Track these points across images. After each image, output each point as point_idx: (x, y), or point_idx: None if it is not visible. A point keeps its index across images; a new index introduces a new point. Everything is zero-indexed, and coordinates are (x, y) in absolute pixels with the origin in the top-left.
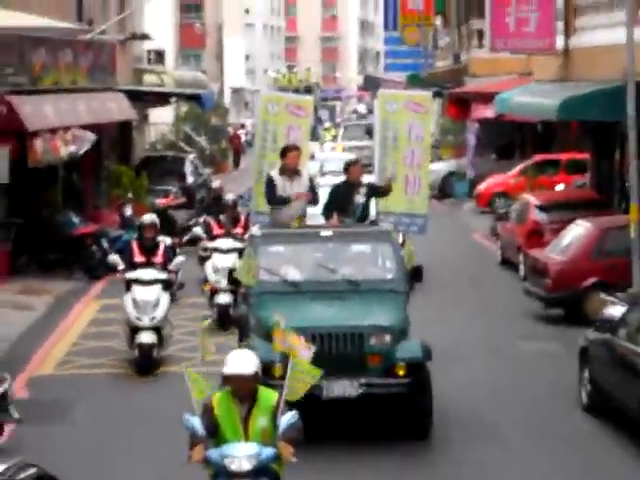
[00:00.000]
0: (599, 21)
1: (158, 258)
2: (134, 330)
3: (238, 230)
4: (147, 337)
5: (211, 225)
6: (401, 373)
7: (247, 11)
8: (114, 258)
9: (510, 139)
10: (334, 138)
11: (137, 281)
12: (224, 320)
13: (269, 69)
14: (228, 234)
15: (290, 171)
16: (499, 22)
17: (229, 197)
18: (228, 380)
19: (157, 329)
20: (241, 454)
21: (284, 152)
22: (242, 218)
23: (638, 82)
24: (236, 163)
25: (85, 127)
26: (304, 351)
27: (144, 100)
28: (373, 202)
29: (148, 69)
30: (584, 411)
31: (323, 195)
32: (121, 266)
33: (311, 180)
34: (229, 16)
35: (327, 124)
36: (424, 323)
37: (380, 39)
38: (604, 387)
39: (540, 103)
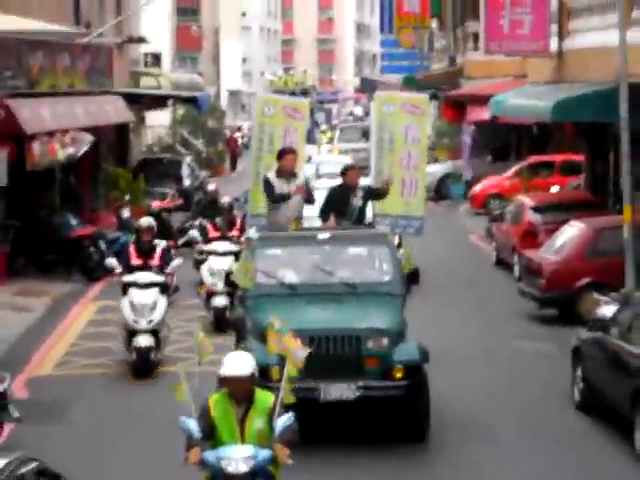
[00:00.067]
0: (592, 24)
1: (155, 261)
2: (131, 333)
3: (234, 233)
4: (144, 340)
5: (207, 228)
6: (398, 376)
7: (244, 14)
8: (111, 261)
9: (506, 141)
10: (330, 140)
11: (134, 284)
12: (220, 323)
13: (266, 72)
14: (224, 237)
15: (287, 173)
16: (493, 25)
17: (225, 200)
18: (225, 382)
19: (154, 332)
20: (237, 456)
21: (281, 154)
22: (238, 221)
23: (631, 84)
24: (233, 166)
25: (82, 130)
26: (299, 352)
27: (141, 103)
28: (370, 204)
29: (145, 72)
30: (577, 409)
31: (319, 198)
32: (118, 269)
33: (307, 182)
34: (226, 19)
35: (323, 126)
36: (420, 325)
37: (376, 42)
38: (596, 385)
39: (534, 105)
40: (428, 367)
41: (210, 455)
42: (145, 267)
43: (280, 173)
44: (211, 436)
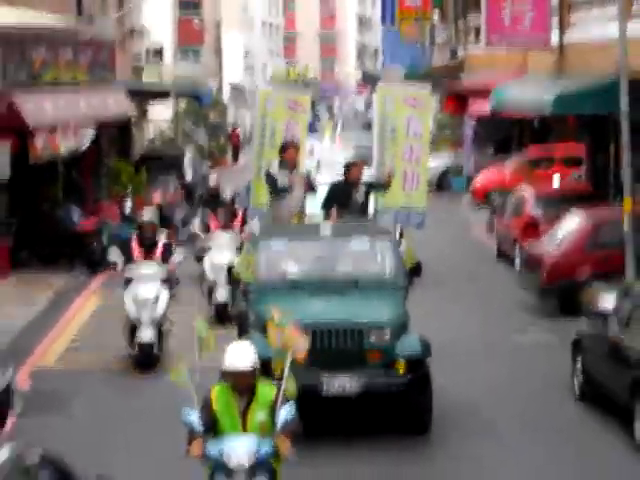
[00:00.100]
0: (592, 17)
1: (157, 255)
2: (134, 327)
3: (236, 226)
4: (147, 334)
5: (209, 221)
6: (401, 369)
7: (246, 8)
8: (113, 255)
9: (507, 134)
10: (332, 133)
11: (137, 278)
12: (222, 316)
13: (268, 65)
14: (226, 230)
15: (289, 167)
16: (495, 18)
17: (226, 193)
18: (227, 375)
19: (157, 326)
20: (240, 448)
21: (283, 148)
22: (239, 214)
23: (631, 77)
24: (235, 159)
25: (85, 123)
26: (299, 345)
27: (143, 96)
28: (371, 198)
29: (147, 65)
30: (577, 401)
31: (321, 192)
32: (120, 263)
33: (308, 174)
34: (227, 12)
35: (325, 120)
36: (422, 318)
37: (378, 35)
38: (596, 377)
39: (535, 98)
40: (430, 361)
41: (212, 448)
42: (147, 261)
43: (282, 166)
44: (213, 428)
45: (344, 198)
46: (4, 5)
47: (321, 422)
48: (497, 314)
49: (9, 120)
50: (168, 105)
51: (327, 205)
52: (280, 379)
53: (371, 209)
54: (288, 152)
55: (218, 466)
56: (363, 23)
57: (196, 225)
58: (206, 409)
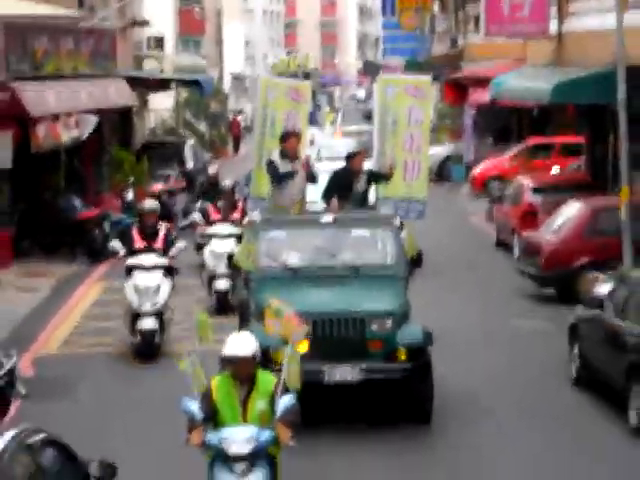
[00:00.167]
0: (591, 6)
1: (158, 244)
2: (135, 316)
3: (236, 216)
4: (149, 323)
5: (209, 211)
6: (402, 358)
7: None
8: (115, 244)
9: (506, 123)
10: (332, 123)
11: (138, 267)
12: (223, 306)
13: (269, 54)
14: (226, 220)
15: (290, 156)
16: (494, 7)
17: (227, 183)
18: (227, 362)
19: (158, 315)
20: (239, 437)
21: (284, 137)
22: (239, 204)
23: (628, 66)
24: (236, 148)
25: (86, 113)
26: (296, 333)
27: (144, 86)
28: (372, 188)
29: (148, 55)
30: (574, 386)
31: (322, 181)
32: (122, 252)
33: (308, 159)
34: (228, 2)
35: (326, 109)
36: (422, 307)
37: (379, 24)
38: (592, 362)
39: (534, 87)
40: (430, 349)
41: (212, 436)
42: (149, 250)
43: (284, 155)
44: (213, 417)
45: (345, 188)
46: None
47: (322, 411)
48: (496, 302)
49: (11, 109)
50: (169, 94)
51: (328, 194)
52: (280, 370)
53: (372, 198)
54: (289, 141)
55: (218, 455)
56: (364, 13)
57: (196, 215)
58: (206, 398)
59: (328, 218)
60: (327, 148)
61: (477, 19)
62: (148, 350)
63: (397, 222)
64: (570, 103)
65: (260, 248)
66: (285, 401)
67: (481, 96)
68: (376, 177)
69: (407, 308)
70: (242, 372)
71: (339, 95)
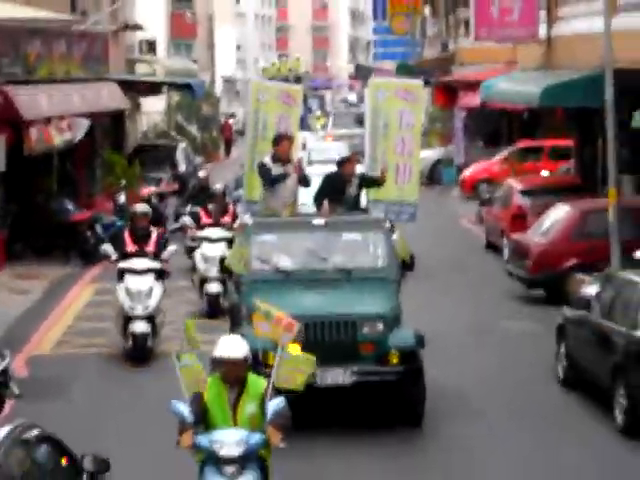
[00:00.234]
0: (579, 10)
1: (150, 247)
2: (127, 319)
3: (226, 219)
4: (141, 326)
5: (199, 214)
6: (394, 361)
7: (238, 1)
8: (106, 248)
9: (497, 126)
10: (323, 127)
11: (130, 270)
12: (214, 309)
13: (260, 58)
14: (217, 223)
15: (282, 159)
16: (483, 11)
17: (218, 186)
18: (217, 364)
19: (150, 318)
20: (230, 440)
21: (277, 141)
22: (230, 207)
23: (616, 69)
24: (227, 152)
25: (79, 116)
26: (284, 336)
27: (136, 89)
28: (364, 191)
29: (140, 59)
30: (561, 386)
31: (314, 184)
32: (113, 256)
33: (300, 161)
34: (220, 6)
35: (317, 113)
36: (414, 310)
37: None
38: (579, 362)
39: (523, 90)
40: (422, 352)
41: (202, 439)
42: (140, 253)
43: (276, 159)
44: (204, 419)
45: (337, 191)
46: None
47: (315, 413)
48: (486, 304)
49: (4, 113)
50: (161, 98)
51: (319, 197)
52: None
53: (363, 201)
54: (282, 145)
55: (208, 457)
56: (356, 17)
57: (187, 218)
58: (197, 400)
59: (320, 221)
60: (318, 151)
61: (467, 23)
62: (140, 354)
63: (388, 225)
64: (559, 106)
65: (252, 251)
66: (275, 404)
67: (471, 100)
68: (368, 182)
69: (399, 311)
70: (233, 374)
71: (330, 99)
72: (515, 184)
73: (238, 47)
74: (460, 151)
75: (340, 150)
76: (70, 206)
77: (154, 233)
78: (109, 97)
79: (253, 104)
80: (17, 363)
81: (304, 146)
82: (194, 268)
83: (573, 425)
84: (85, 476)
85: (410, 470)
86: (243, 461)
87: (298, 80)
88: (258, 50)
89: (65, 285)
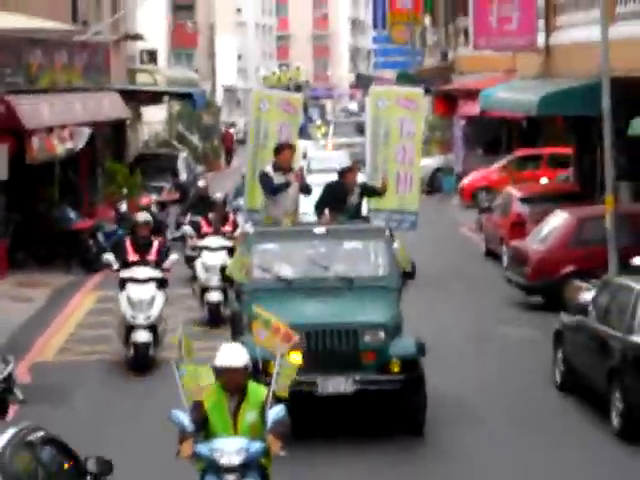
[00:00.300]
0: (577, 19)
1: (152, 256)
2: (129, 328)
3: (227, 228)
4: (143, 336)
5: (200, 224)
6: (395, 369)
7: (239, 10)
8: (108, 257)
9: (496, 135)
10: (324, 136)
11: (132, 280)
12: (215, 318)
13: (261, 67)
14: (217, 232)
15: (284, 168)
16: (482, 20)
17: (218, 196)
18: (218, 372)
19: (152, 327)
20: (230, 448)
21: (278, 150)
22: (231, 216)
23: (613, 78)
24: (228, 161)
25: (80, 125)
26: (281, 345)
27: (137, 99)
28: (365, 200)
29: (141, 69)
30: (559, 390)
31: (315, 193)
32: (115, 265)
33: (301, 169)
34: (221, 15)
35: (318, 122)
36: (415, 318)
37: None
38: (576, 367)
39: (522, 99)
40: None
41: (203, 447)
42: (142, 262)
43: (277, 168)
44: (204, 427)
45: (339, 201)
46: (1, 11)
47: (316, 422)
48: (486, 311)
49: (6, 122)
50: (162, 107)
51: (321, 206)
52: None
53: (364, 209)
54: (283, 153)
55: (209, 466)
56: (356, 26)
57: (187, 227)
58: (197, 408)
59: (321, 230)
60: (318, 160)
61: (467, 32)
62: (142, 363)
63: (388, 234)
64: (557, 114)
65: (253, 260)
66: (275, 412)
67: (471, 108)
68: (369, 191)
69: (400, 319)
70: (233, 383)
71: (331, 108)
72: (514, 192)
73: (239, 56)
74: (460, 159)
75: (341, 159)
76: (72, 215)
77: (155, 242)
78: (110, 107)
79: (254, 113)
80: (20, 370)
81: (305, 155)
82: (195, 277)
83: (570, 429)
84: (89, 478)
85: (411, 478)
86: (243, 469)
87: (298, 89)
88: (259, 59)
89: (67, 293)
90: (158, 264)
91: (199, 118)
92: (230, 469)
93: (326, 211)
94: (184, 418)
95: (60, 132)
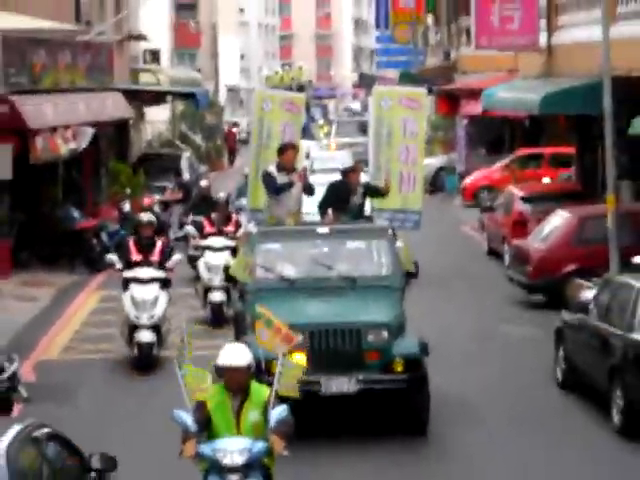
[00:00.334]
0: (579, 19)
1: (155, 256)
2: (133, 328)
3: (230, 228)
4: (146, 336)
5: (203, 224)
6: (399, 369)
7: (241, 10)
8: (111, 257)
9: (499, 134)
10: (327, 135)
11: (135, 280)
12: (218, 318)
13: (264, 67)
14: (220, 232)
15: (287, 168)
16: (484, 20)
17: (221, 195)
18: (221, 371)
19: (156, 327)
20: (233, 448)
21: (282, 150)
22: (233, 216)
23: (614, 77)
24: (231, 161)
25: (84, 125)
26: (281, 346)
27: (141, 99)
28: (368, 199)
29: (144, 69)
30: (560, 389)
31: (318, 193)
32: (118, 265)
33: (305, 169)
34: (223, 15)
35: (320, 122)
36: (418, 317)
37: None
38: (577, 365)
39: (524, 98)
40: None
41: (206, 447)
42: (145, 262)
43: (281, 168)
44: (207, 427)
45: (342, 201)
46: (4, 11)
47: (320, 422)
48: (488, 310)
49: (10, 122)
50: (165, 107)
51: (324, 206)
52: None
53: (367, 209)
54: (287, 153)
55: (212, 466)
56: (359, 26)
57: (190, 227)
58: (200, 408)
59: (324, 230)
60: (321, 160)
61: (469, 32)
62: (146, 363)
63: (391, 233)
64: (559, 114)
65: (256, 260)
66: (278, 412)
67: (473, 108)
68: (372, 191)
69: (403, 319)
70: (236, 382)
71: (334, 107)
72: (516, 191)
73: (242, 56)
74: (462, 159)
75: (343, 159)
76: (76, 214)
77: (159, 242)
78: (114, 106)
79: (257, 113)
80: (25, 368)
81: (307, 155)
82: (197, 277)
83: (572, 427)
84: (93, 474)
85: (414, 478)
86: (246, 469)
87: (301, 89)
88: (262, 59)
89: (71, 292)
90: (161, 264)
91: (202, 118)
92: (233, 469)
93: (329, 211)
94: (187, 418)
95: (64, 132)
